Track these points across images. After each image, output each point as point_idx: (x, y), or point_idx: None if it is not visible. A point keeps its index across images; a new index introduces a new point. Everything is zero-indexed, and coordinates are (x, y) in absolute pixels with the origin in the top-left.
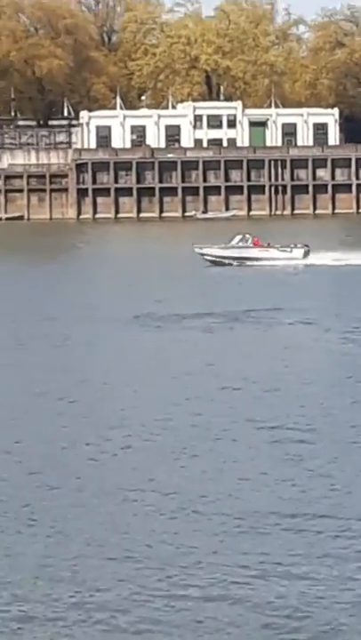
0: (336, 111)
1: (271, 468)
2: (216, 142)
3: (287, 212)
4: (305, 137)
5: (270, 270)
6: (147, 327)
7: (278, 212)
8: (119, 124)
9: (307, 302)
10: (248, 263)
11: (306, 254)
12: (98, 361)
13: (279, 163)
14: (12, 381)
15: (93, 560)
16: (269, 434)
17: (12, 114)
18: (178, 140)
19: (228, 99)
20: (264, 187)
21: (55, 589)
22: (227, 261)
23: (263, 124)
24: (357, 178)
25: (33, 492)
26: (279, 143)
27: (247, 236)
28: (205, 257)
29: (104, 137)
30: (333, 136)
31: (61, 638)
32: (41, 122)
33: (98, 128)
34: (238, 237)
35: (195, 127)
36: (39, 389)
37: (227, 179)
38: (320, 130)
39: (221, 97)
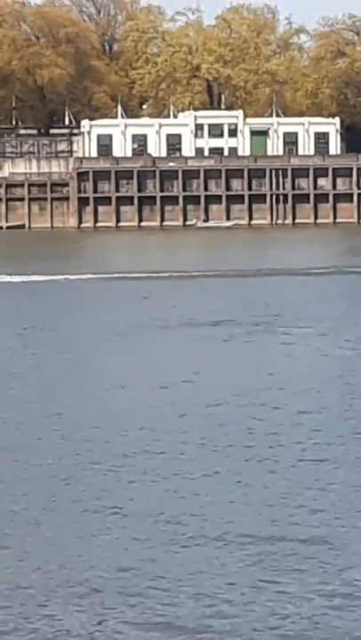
0: (337, 120)
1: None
2: (217, 151)
3: (288, 221)
4: (306, 146)
5: None
6: None
7: (280, 222)
8: (120, 132)
9: None
10: None
11: None
12: None
13: (280, 172)
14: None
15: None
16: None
17: (14, 122)
18: (179, 149)
19: (230, 108)
20: (265, 196)
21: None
22: None
23: (264, 133)
24: (359, 187)
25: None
26: (280, 152)
27: None
28: None
29: (105, 146)
30: (335, 145)
31: None
32: (42, 130)
33: (99, 137)
34: None
35: (196, 136)
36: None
37: (228, 188)
38: (321, 139)
39: (223, 106)
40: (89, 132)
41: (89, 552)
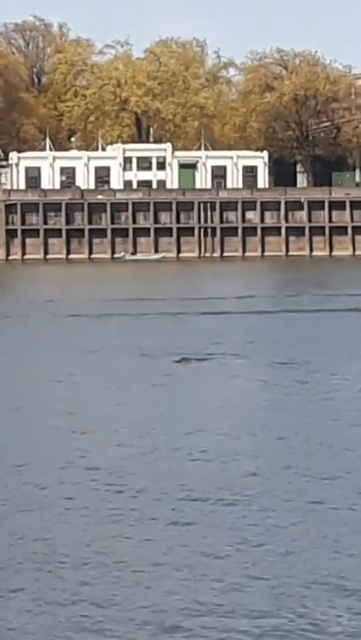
0: (265, 154)
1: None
2: (146, 184)
3: (216, 254)
4: (234, 179)
5: None
6: None
7: (208, 255)
8: (49, 165)
9: None
10: None
11: None
12: None
13: (209, 205)
14: None
15: None
16: None
17: None
18: (107, 182)
19: (158, 141)
20: (193, 229)
21: None
22: None
23: (193, 166)
24: (286, 221)
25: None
26: (209, 185)
27: None
28: None
29: (33, 178)
30: (263, 179)
31: None
32: None
33: (27, 169)
34: None
35: (124, 169)
36: None
37: (156, 220)
38: (249, 172)
39: (151, 139)
40: (17, 165)
41: None
